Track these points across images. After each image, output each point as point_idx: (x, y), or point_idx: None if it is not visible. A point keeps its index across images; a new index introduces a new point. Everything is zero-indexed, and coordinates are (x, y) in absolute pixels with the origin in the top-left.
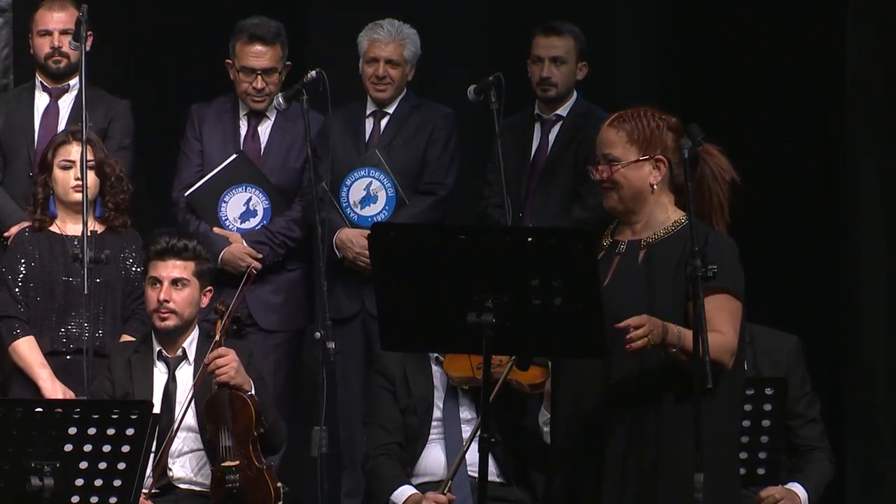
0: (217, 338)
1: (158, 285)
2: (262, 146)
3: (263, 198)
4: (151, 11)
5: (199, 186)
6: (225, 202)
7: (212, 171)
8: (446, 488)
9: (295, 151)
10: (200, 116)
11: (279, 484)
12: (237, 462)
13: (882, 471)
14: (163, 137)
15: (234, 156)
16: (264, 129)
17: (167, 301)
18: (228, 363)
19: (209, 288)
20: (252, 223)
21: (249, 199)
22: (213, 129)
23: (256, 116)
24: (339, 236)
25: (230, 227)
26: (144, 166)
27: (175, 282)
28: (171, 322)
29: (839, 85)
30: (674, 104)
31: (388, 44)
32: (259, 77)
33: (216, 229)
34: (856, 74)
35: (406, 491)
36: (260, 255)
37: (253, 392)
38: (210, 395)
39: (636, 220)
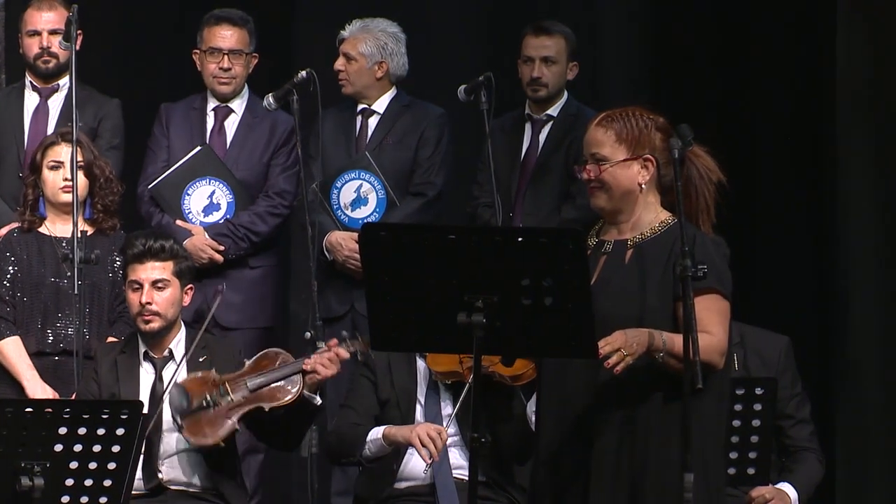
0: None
1: (139, 289)
2: (228, 140)
3: (227, 191)
4: (140, 11)
5: (163, 179)
6: (188, 195)
7: (176, 163)
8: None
9: (261, 147)
10: (168, 113)
11: (222, 443)
12: (230, 400)
13: (872, 471)
14: (141, 137)
15: (198, 148)
16: (231, 124)
17: (149, 303)
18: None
19: (190, 286)
20: (215, 217)
21: (213, 192)
22: (181, 125)
23: (223, 111)
24: (329, 239)
25: (193, 220)
26: (136, 166)
27: (155, 283)
28: (156, 324)
29: (829, 85)
30: (662, 105)
31: (347, 38)
32: (226, 57)
33: (179, 222)
34: (845, 75)
35: (380, 427)
36: (221, 248)
37: (320, 402)
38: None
39: (623, 220)
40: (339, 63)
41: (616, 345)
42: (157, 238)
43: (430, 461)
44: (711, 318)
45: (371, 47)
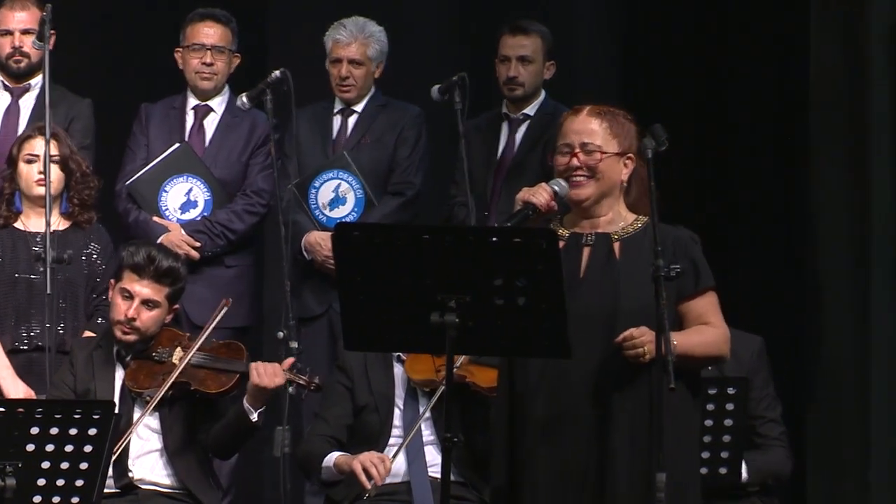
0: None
1: (129, 299)
2: (207, 139)
3: (205, 189)
4: (113, 11)
5: (140, 175)
6: (165, 192)
7: (154, 160)
8: (395, 455)
9: (240, 146)
10: (148, 113)
11: (147, 396)
12: (173, 362)
13: (845, 472)
14: (123, 136)
15: (176, 145)
16: (210, 123)
17: (134, 320)
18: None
19: (176, 306)
20: (192, 214)
21: (190, 189)
22: (160, 125)
23: (203, 110)
24: (307, 239)
25: (170, 217)
26: (112, 165)
27: (146, 301)
28: (133, 338)
29: (802, 86)
30: (636, 107)
31: (350, 44)
32: (209, 52)
33: (155, 218)
34: (818, 77)
35: (335, 454)
36: (198, 244)
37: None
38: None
39: (601, 214)
40: (345, 69)
41: (646, 339)
42: (164, 255)
43: (369, 487)
44: (714, 311)
45: (375, 50)
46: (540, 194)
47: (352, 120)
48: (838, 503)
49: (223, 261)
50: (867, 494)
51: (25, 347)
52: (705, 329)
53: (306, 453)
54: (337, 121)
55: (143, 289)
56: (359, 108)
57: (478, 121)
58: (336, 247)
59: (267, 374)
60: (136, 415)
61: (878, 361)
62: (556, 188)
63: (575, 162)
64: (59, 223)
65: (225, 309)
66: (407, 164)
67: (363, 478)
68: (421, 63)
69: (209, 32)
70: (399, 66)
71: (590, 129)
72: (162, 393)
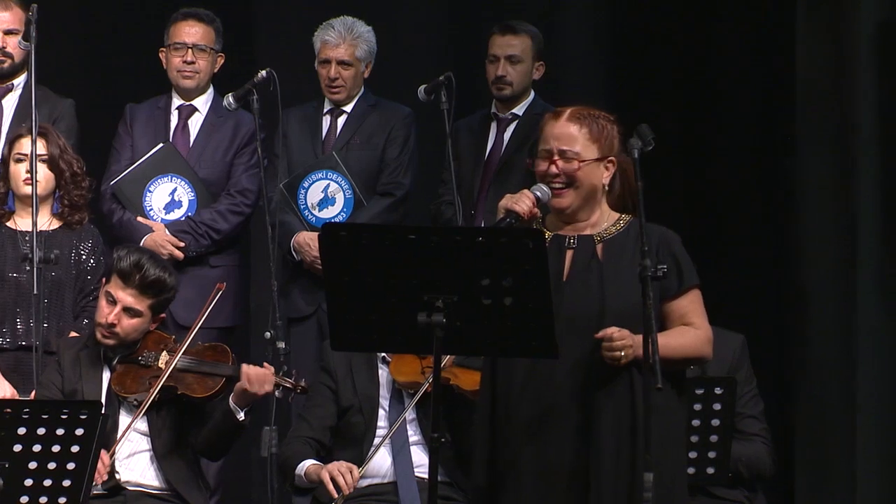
0: None
1: (112, 305)
2: (192, 139)
3: (189, 189)
4: (96, 10)
5: (125, 175)
6: (150, 192)
7: (138, 160)
8: (372, 455)
9: (224, 146)
10: (133, 113)
11: (135, 401)
12: (159, 366)
13: (832, 468)
14: (109, 137)
15: (160, 145)
16: (195, 123)
17: (114, 325)
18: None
19: (161, 315)
20: (177, 214)
21: (175, 189)
22: (145, 125)
23: (187, 110)
24: (297, 239)
25: (154, 217)
26: (97, 165)
27: (128, 309)
28: (112, 342)
29: (788, 88)
30: (623, 106)
31: (339, 45)
32: (190, 51)
33: (140, 218)
34: (804, 78)
35: (307, 462)
36: (182, 244)
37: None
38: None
39: (583, 219)
40: (334, 71)
41: (626, 343)
42: (152, 265)
43: (336, 497)
44: (697, 311)
45: (363, 50)
46: (522, 202)
47: (341, 120)
48: (825, 500)
49: (208, 261)
50: (854, 491)
51: (8, 347)
52: (686, 331)
53: (284, 458)
54: (326, 121)
55: (126, 296)
56: (348, 108)
57: (467, 120)
58: (323, 247)
59: (258, 381)
60: (122, 416)
61: (864, 360)
62: (538, 194)
63: (553, 169)
64: (49, 223)
65: (220, 293)
66: (396, 164)
67: (331, 487)
68: (410, 63)
69: (191, 31)
70: (387, 67)
71: (569, 134)
72: (150, 400)
